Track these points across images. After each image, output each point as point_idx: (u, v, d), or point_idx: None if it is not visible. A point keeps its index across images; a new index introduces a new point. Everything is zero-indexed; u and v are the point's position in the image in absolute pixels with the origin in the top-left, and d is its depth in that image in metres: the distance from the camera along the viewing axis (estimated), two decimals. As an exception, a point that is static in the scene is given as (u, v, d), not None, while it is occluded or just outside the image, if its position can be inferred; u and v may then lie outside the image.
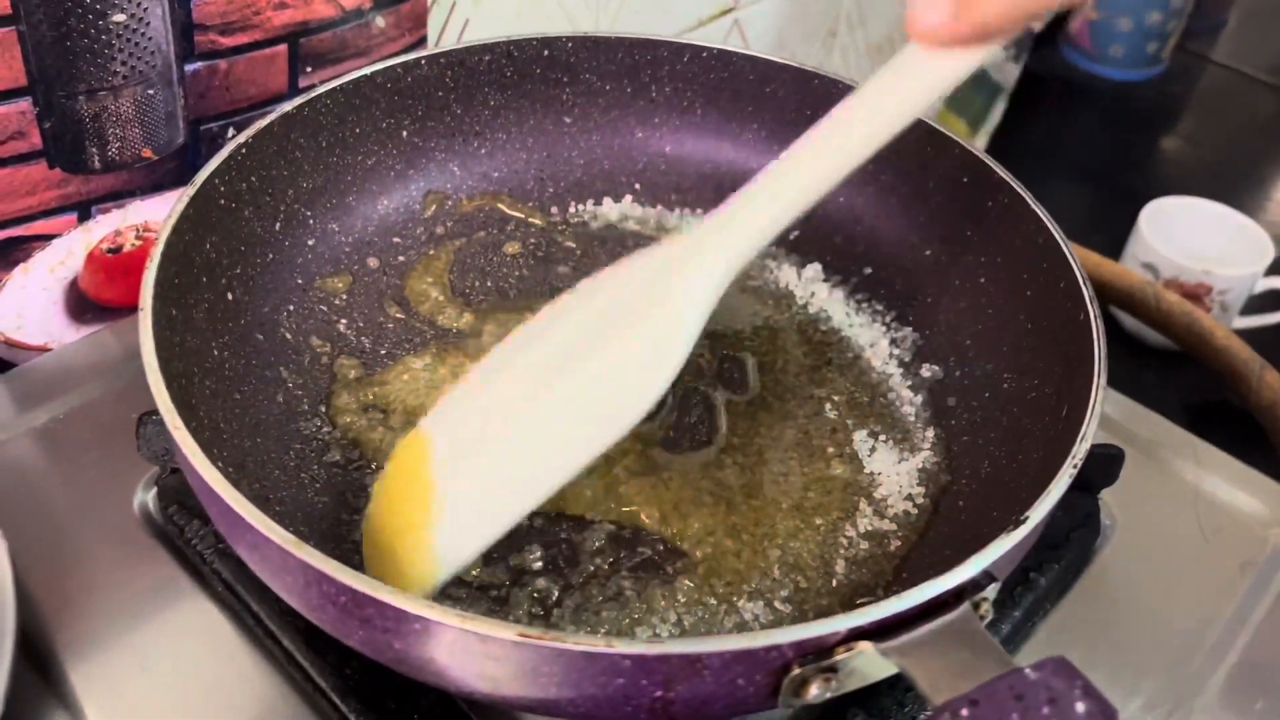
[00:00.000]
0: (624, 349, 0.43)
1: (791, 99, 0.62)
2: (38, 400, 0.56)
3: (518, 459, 0.42)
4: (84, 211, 0.59)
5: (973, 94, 1.13)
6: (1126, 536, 0.55)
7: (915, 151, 0.58)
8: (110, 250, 0.61)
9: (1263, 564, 0.54)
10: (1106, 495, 0.54)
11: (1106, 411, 0.43)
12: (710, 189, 0.64)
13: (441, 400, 0.44)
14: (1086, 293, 0.47)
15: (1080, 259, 0.50)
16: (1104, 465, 0.52)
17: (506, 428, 0.42)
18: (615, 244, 0.62)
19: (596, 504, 0.48)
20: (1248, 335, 0.79)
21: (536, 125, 0.63)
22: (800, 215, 0.44)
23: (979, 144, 1.13)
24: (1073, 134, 1.23)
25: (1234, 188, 1.13)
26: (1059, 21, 1.31)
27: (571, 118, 0.63)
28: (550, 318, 0.45)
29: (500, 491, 0.42)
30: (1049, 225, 0.51)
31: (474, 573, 0.46)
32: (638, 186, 0.64)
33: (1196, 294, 0.90)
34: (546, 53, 0.61)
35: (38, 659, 0.46)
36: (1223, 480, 0.58)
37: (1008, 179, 0.53)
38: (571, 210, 0.63)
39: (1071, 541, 0.53)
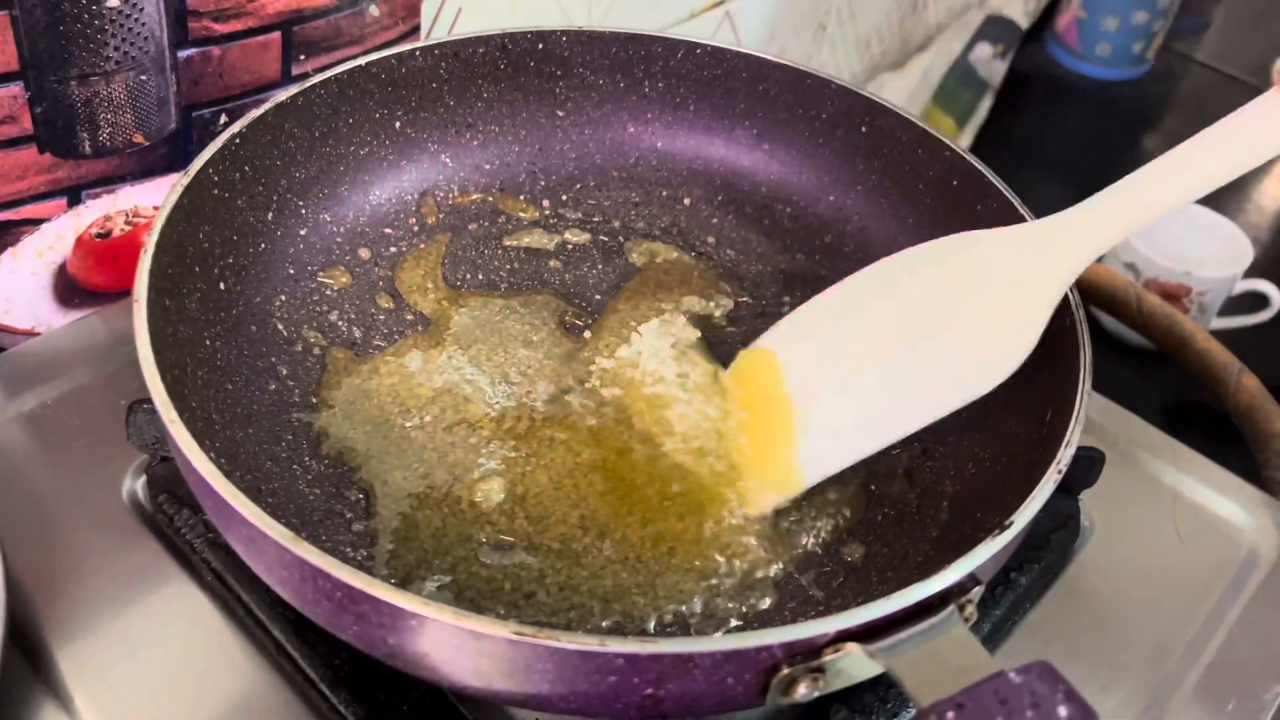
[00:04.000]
0: (984, 325, 0.45)
1: (784, 97, 0.62)
2: (25, 385, 0.56)
3: (869, 402, 0.46)
4: (74, 196, 0.59)
5: (960, 91, 1.14)
6: (1105, 538, 0.56)
7: (906, 153, 0.59)
8: (99, 235, 0.61)
9: (1238, 567, 0.55)
10: (1086, 497, 0.55)
11: (1087, 413, 0.44)
12: (701, 185, 0.65)
13: (782, 324, 0.49)
14: (1073, 299, 0.48)
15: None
16: (1084, 468, 0.53)
17: (863, 372, 0.46)
18: (607, 238, 0.62)
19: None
20: (1224, 336, 0.80)
21: (529, 118, 0.63)
22: (1156, 218, 0.45)
23: (965, 140, 1.14)
24: (1058, 132, 1.24)
25: (1214, 190, 1.14)
26: (1046, 19, 1.32)
27: (564, 111, 0.64)
28: (905, 268, 0.47)
29: (851, 427, 0.46)
30: (1037, 230, 0.52)
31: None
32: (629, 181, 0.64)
33: (1176, 294, 0.91)
34: (541, 46, 0.61)
35: (26, 646, 0.46)
36: (1200, 483, 0.59)
37: (998, 184, 0.54)
38: (563, 203, 0.64)
39: (1051, 543, 0.53)
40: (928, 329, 0.46)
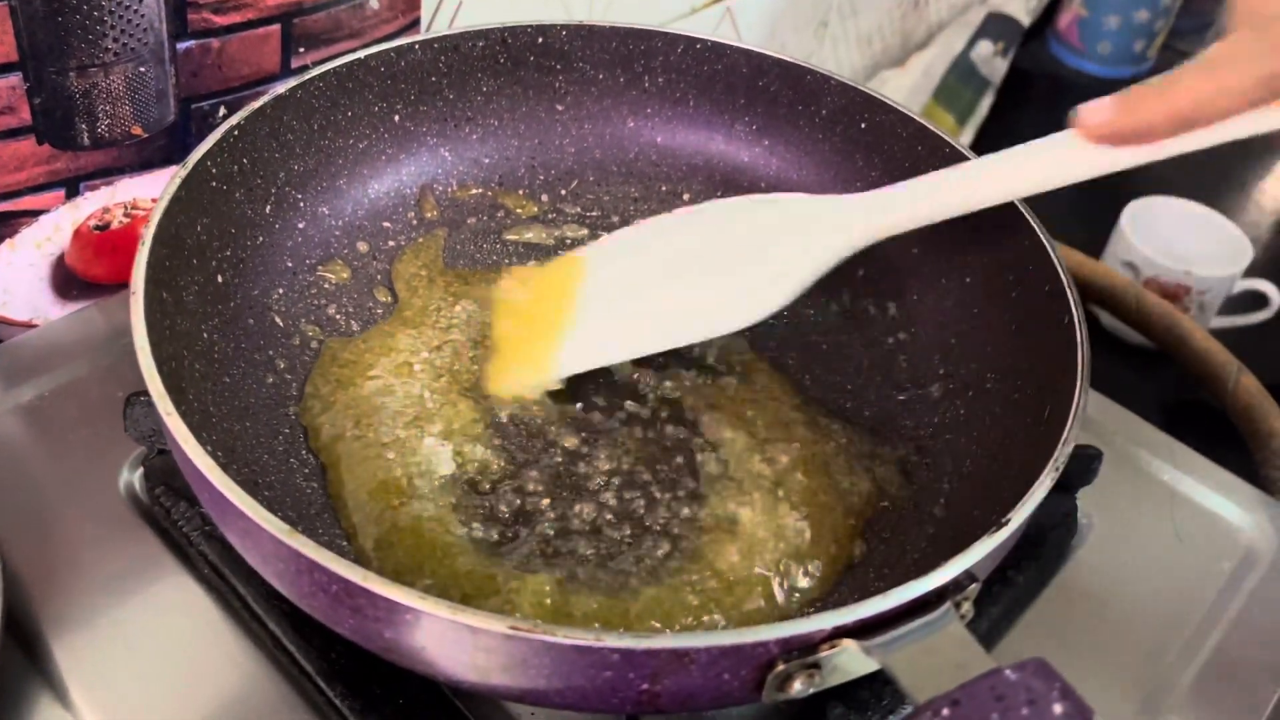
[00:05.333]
0: (750, 274, 0.52)
1: (784, 93, 0.62)
2: (23, 377, 0.56)
3: (639, 316, 0.53)
4: (72, 188, 0.59)
5: (961, 88, 1.14)
6: (1102, 536, 0.56)
7: (906, 150, 0.58)
8: (98, 227, 0.61)
9: (1235, 565, 0.55)
10: (1083, 495, 0.55)
11: (1085, 411, 0.44)
12: (700, 180, 0.64)
13: (603, 240, 0.56)
14: (1072, 298, 0.48)
15: (1063, 257, 0.50)
16: (1082, 465, 0.53)
17: (645, 288, 0.53)
18: (606, 233, 0.62)
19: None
20: (1223, 335, 0.80)
21: (529, 112, 0.63)
22: (916, 227, 0.51)
23: (966, 137, 1.13)
24: (1058, 129, 1.23)
25: (1214, 189, 1.14)
26: (1047, 16, 1.31)
27: (564, 106, 0.63)
28: (708, 215, 0.54)
29: (617, 333, 0.53)
30: (1036, 229, 0.52)
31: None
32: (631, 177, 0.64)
33: (1176, 294, 0.91)
34: (541, 40, 0.61)
35: (22, 638, 0.46)
36: (1198, 482, 0.59)
37: (997, 181, 0.54)
38: (562, 198, 0.64)
39: (1049, 540, 0.53)
40: (708, 266, 0.53)
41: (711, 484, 0.50)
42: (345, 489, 0.47)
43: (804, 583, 0.47)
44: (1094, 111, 0.46)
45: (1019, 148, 0.49)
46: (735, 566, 0.46)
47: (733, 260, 0.53)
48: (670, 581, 0.46)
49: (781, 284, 0.52)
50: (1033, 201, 0.52)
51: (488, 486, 0.49)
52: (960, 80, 1.14)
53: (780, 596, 0.46)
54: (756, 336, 0.57)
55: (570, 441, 0.51)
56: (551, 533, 0.47)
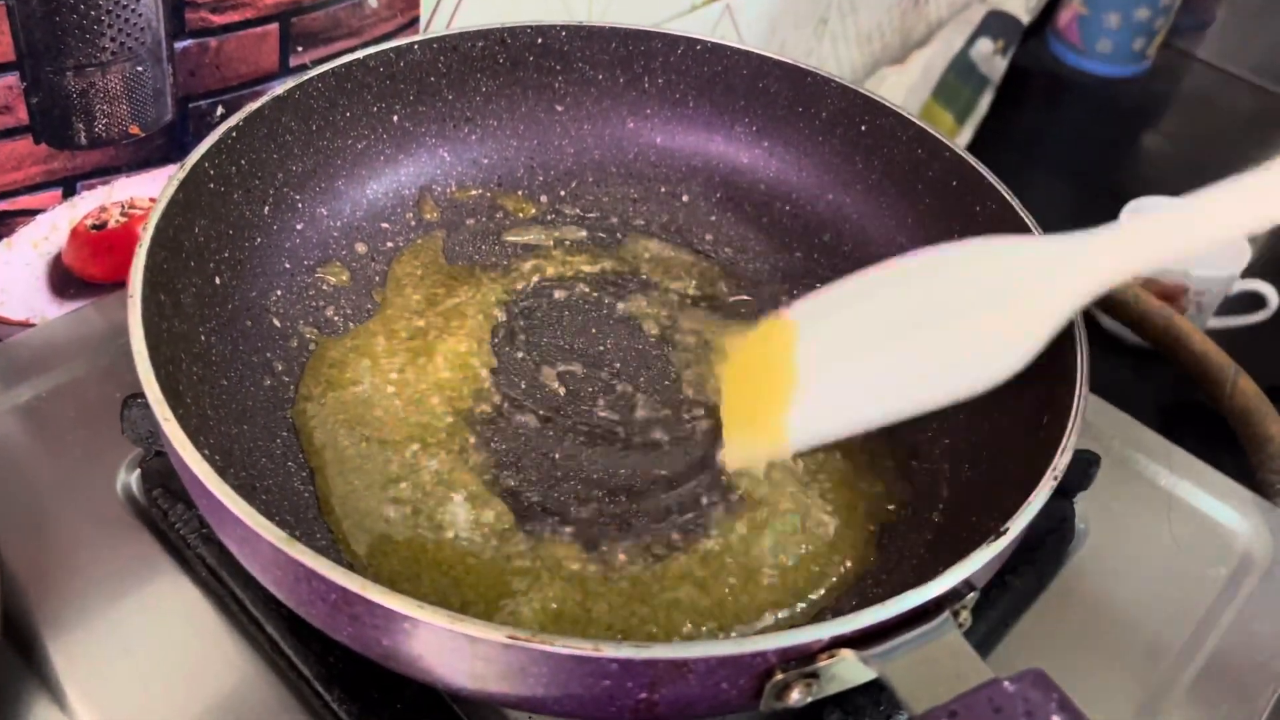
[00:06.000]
0: (987, 327, 0.46)
1: (784, 95, 0.62)
2: (20, 376, 0.56)
3: (868, 382, 0.48)
4: (69, 187, 0.59)
5: (961, 86, 1.13)
6: (1099, 541, 0.56)
7: (906, 153, 0.58)
8: (95, 226, 0.61)
9: (1232, 570, 0.56)
10: (1080, 499, 0.55)
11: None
12: (700, 182, 0.64)
13: (810, 298, 0.50)
14: (1072, 304, 0.47)
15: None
16: (1079, 470, 0.53)
17: (869, 351, 0.48)
18: (605, 234, 0.62)
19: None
20: (1221, 336, 0.80)
21: (528, 113, 0.63)
22: (1195, 252, 0.46)
23: (965, 136, 1.13)
24: (1058, 128, 1.23)
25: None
26: (1047, 14, 1.31)
27: (563, 106, 0.63)
28: (930, 263, 0.49)
29: (846, 402, 0.48)
30: (1034, 230, 0.51)
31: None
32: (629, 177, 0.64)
33: (1173, 294, 0.91)
34: (540, 41, 0.61)
35: (19, 639, 0.46)
36: (1195, 486, 0.59)
37: (997, 185, 0.54)
38: (561, 199, 0.63)
39: (1046, 545, 0.53)
40: (938, 322, 0.47)
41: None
42: (334, 494, 0.47)
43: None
44: None
45: (1271, 167, 0.44)
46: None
47: (964, 313, 0.47)
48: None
49: (1025, 336, 0.46)
50: (1029, 201, 0.52)
51: (481, 482, 0.49)
52: (960, 78, 1.13)
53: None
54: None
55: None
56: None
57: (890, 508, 0.51)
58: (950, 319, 0.47)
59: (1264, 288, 0.93)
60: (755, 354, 0.51)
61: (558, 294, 0.59)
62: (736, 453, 0.50)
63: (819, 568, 0.47)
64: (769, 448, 0.49)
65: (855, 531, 0.49)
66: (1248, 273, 0.93)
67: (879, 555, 0.49)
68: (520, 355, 0.55)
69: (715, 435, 0.53)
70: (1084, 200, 1.12)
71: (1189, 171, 1.17)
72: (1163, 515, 0.58)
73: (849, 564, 0.48)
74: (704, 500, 0.50)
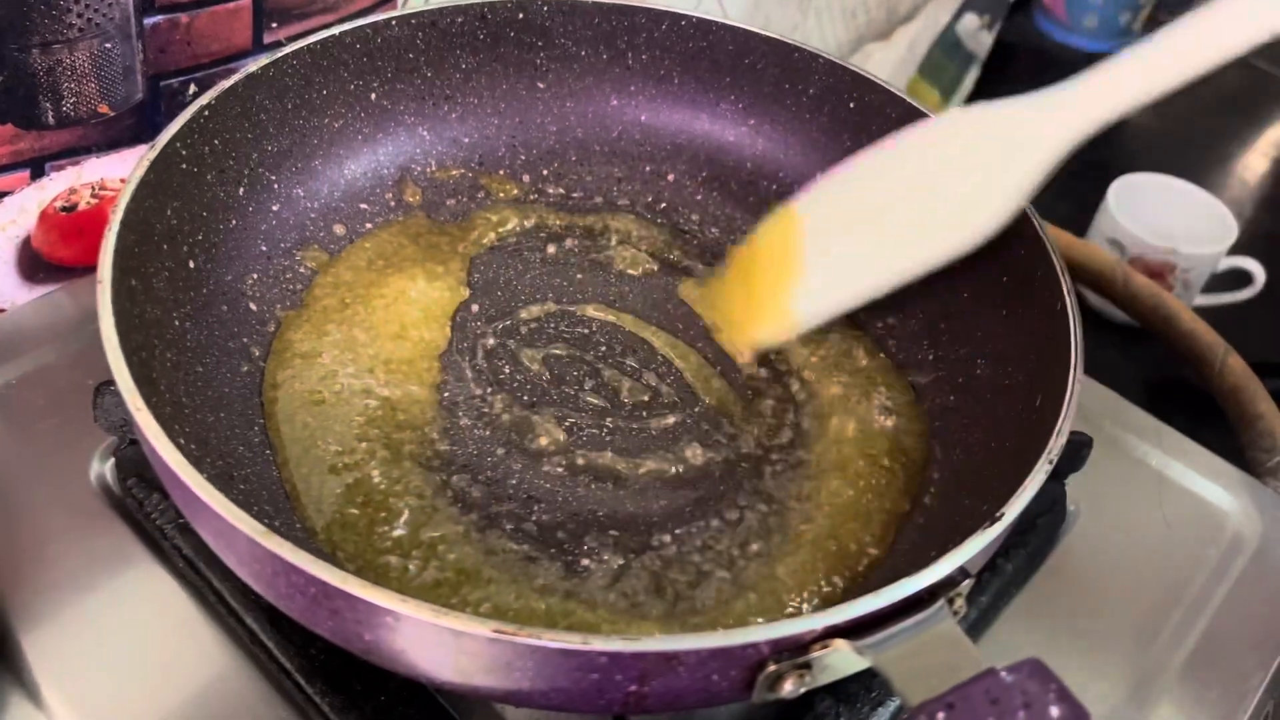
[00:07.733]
0: (964, 191, 0.49)
1: (770, 72, 0.61)
2: (-11, 364, 0.55)
3: (864, 257, 0.51)
4: (37, 168, 0.57)
5: (946, 62, 1.13)
6: (1090, 522, 0.55)
7: (894, 129, 0.57)
8: (65, 208, 0.59)
9: (1223, 550, 0.55)
10: (1071, 481, 0.54)
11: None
12: (685, 160, 0.63)
13: (814, 186, 0.53)
14: (1065, 284, 0.47)
15: (1054, 240, 0.49)
16: (1071, 452, 0.52)
17: (863, 227, 0.51)
18: (589, 213, 0.61)
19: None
20: (1208, 313, 0.80)
21: (509, 90, 0.61)
22: (1143, 105, 0.46)
23: (951, 113, 1.12)
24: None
25: (1200, 165, 1.13)
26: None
27: (545, 83, 0.62)
28: (916, 139, 0.51)
29: (849, 275, 0.51)
30: (1028, 212, 0.51)
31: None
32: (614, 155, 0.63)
33: (1161, 272, 0.91)
34: (521, 16, 0.60)
35: (-9, 633, 0.45)
36: (1186, 467, 0.59)
37: (987, 162, 0.53)
38: (544, 178, 0.62)
39: (1038, 527, 0.53)
40: (931, 185, 0.50)
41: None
42: (296, 473, 0.46)
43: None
44: None
45: (1209, 8, 0.45)
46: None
47: (945, 181, 0.50)
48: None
49: (999, 194, 0.48)
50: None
51: (448, 468, 0.48)
52: (945, 54, 1.12)
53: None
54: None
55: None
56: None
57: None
58: (933, 187, 0.50)
59: (1250, 264, 0.93)
60: (764, 244, 0.54)
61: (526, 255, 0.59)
62: (742, 336, 0.54)
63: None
64: (775, 328, 0.53)
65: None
66: (1234, 250, 0.92)
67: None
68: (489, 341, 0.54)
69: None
70: (1070, 176, 1.11)
71: (1176, 147, 1.18)
72: (1154, 496, 0.57)
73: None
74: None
